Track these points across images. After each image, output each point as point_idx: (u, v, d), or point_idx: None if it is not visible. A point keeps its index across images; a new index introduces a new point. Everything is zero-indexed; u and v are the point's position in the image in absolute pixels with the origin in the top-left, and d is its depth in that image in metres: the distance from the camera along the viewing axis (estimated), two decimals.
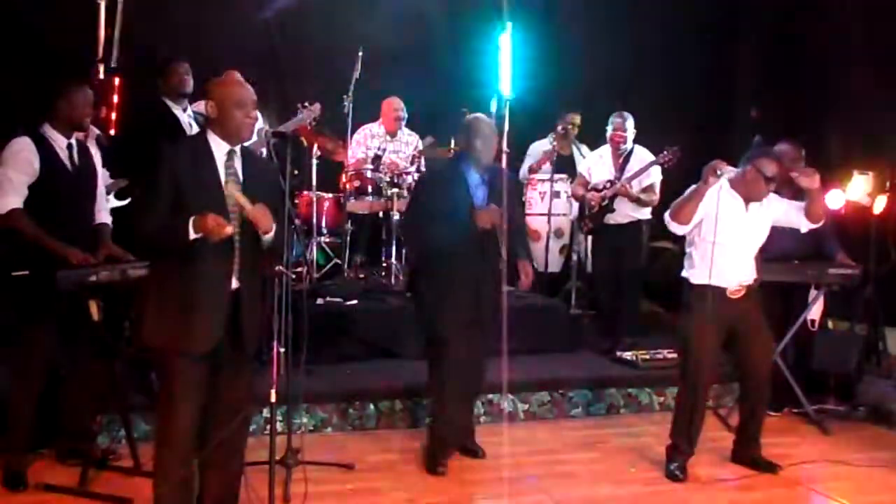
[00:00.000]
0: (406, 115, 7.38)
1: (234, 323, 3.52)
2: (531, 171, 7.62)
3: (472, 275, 4.69)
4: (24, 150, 4.26)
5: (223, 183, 3.49)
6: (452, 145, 7.09)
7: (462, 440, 4.91)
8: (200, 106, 4.22)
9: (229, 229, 3.38)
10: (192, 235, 3.34)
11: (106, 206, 4.66)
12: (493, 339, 4.81)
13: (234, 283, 3.52)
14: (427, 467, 4.69)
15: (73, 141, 4.42)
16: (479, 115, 4.96)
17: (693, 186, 4.53)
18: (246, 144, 3.75)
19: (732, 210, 4.60)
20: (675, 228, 4.65)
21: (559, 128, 7.40)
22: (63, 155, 4.37)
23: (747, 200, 4.65)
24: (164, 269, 3.51)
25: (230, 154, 3.53)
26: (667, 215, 4.66)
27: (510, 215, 4.71)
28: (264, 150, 4.97)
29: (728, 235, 4.56)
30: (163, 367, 3.53)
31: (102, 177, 4.66)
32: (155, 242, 3.50)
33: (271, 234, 3.53)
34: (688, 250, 4.75)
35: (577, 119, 7.52)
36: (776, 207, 4.76)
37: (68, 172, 4.37)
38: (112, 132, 5.92)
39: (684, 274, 4.72)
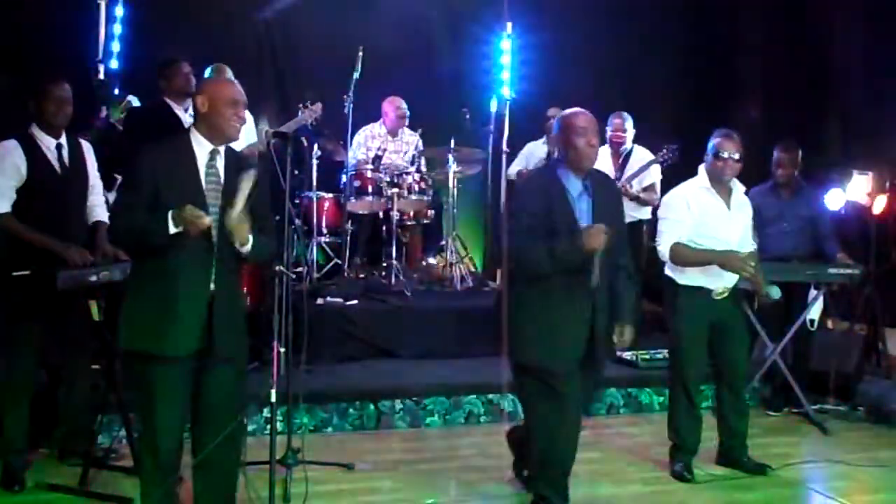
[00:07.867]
0: (409, 114, 7.37)
1: (210, 327, 3.43)
2: (519, 175, 7.57)
3: (585, 307, 3.91)
4: (9, 155, 4.26)
5: (203, 184, 3.42)
6: (452, 144, 7.10)
7: None
8: None
9: (207, 220, 3.29)
10: (172, 230, 3.27)
11: (102, 203, 4.65)
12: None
13: (211, 287, 3.42)
14: None
15: (62, 141, 4.41)
16: (575, 108, 3.99)
17: (715, 256, 4.49)
18: (247, 145, 3.74)
19: (716, 211, 4.61)
20: (667, 262, 4.62)
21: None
22: (51, 156, 4.36)
23: (726, 195, 4.63)
24: (142, 272, 3.45)
25: (213, 154, 3.46)
26: (666, 252, 4.55)
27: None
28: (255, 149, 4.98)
29: (713, 236, 4.56)
30: (138, 372, 3.42)
31: (96, 175, 4.64)
32: (133, 240, 3.44)
33: (248, 246, 3.43)
34: None
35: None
36: (749, 213, 4.77)
37: (56, 173, 4.37)
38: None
39: (669, 274, 4.69)
